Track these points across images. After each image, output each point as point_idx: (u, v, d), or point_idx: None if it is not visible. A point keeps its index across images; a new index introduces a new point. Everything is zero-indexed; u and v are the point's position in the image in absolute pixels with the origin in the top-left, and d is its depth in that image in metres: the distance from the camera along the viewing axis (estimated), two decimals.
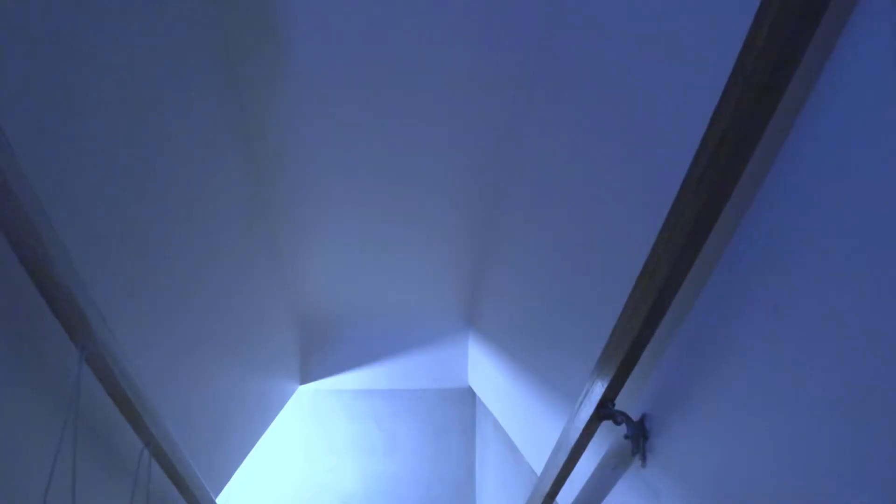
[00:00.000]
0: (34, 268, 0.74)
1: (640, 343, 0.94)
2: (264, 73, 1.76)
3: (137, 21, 1.08)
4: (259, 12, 1.57)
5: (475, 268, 2.80)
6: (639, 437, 1.01)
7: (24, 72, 0.77)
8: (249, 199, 1.99)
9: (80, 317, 0.82)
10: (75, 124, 0.90)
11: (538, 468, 1.79)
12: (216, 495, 1.66)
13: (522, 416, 2.14)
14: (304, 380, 3.26)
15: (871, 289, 0.54)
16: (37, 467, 0.83)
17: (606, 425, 1.11)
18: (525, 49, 1.67)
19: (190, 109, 1.38)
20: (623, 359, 0.97)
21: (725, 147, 0.67)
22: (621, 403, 1.06)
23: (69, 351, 0.85)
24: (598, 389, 1.06)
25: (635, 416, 1.04)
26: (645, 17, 1.05)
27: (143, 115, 1.13)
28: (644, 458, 1.01)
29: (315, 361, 3.26)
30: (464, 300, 3.13)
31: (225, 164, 1.71)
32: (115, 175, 1.04)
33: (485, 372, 2.90)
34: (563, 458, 1.23)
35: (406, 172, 2.22)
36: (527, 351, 2.07)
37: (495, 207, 2.36)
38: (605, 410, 1.06)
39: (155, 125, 1.19)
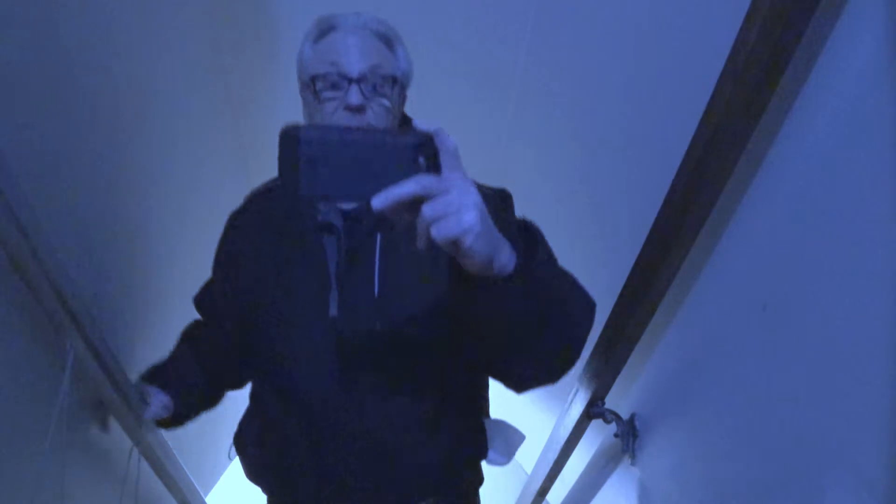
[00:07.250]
0: (22, 266, 0.73)
1: (629, 342, 0.94)
2: (256, 66, 1.75)
3: (129, 17, 1.07)
4: (252, 9, 1.56)
5: None
6: (628, 436, 1.02)
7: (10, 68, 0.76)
8: (241, 195, 1.98)
9: (68, 316, 0.82)
10: (65, 120, 0.89)
11: (529, 466, 1.80)
12: (206, 494, 1.65)
13: (513, 415, 2.14)
14: None
15: (860, 288, 0.54)
16: (25, 467, 0.83)
17: (596, 424, 1.11)
18: (520, 31, 1.67)
19: (178, 104, 1.37)
20: (613, 358, 0.97)
21: (715, 145, 0.67)
22: (611, 402, 1.06)
23: (58, 351, 0.84)
24: (588, 388, 1.06)
25: (625, 415, 1.04)
26: (636, 14, 1.05)
27: (135, 112, 1.12)
28: (634, 457, 1.02)
29: None
30: None
31: (217, 161, 1.69)
32: (107, 173, 1.03)
33: None
34: (553, 456, 1.23)
35: None
36: None
37: None
38: (595, 409, 1.06)
39: (147, 123, 1.18)
